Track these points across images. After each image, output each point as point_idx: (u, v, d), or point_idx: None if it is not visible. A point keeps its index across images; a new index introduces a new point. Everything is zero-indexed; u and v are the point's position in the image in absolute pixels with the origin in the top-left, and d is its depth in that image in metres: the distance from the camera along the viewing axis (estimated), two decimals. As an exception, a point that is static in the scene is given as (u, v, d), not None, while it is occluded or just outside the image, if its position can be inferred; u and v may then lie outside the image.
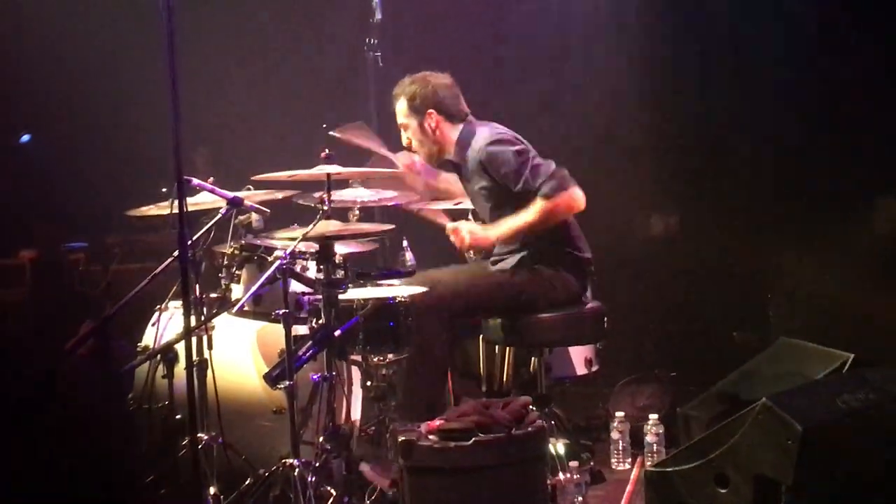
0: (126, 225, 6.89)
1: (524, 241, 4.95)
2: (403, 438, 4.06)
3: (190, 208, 3.96)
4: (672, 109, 6.83)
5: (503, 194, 4.90)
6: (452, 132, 5.03)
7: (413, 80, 5.05)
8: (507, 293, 4.89)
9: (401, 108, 5.07)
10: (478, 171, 4.94)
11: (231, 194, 4.49)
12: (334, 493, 4.31)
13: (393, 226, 4.89)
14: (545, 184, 4.78)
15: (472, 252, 5.24)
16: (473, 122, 5.06)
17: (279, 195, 4.96)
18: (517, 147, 4.86)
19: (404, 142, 5.14)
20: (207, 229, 4.50)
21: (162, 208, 4.71)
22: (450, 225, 5.00)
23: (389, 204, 5.18)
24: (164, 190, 4.60)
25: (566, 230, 5.00)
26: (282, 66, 7.28)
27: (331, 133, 5.13)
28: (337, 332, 4.38)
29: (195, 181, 4.42)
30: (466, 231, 4.90)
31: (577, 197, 4.82)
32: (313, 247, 4.57)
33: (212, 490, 4.44)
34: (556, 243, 4.96)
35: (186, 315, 3.71)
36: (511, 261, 4.97)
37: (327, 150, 4.51)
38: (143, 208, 4.81)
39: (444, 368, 4.81)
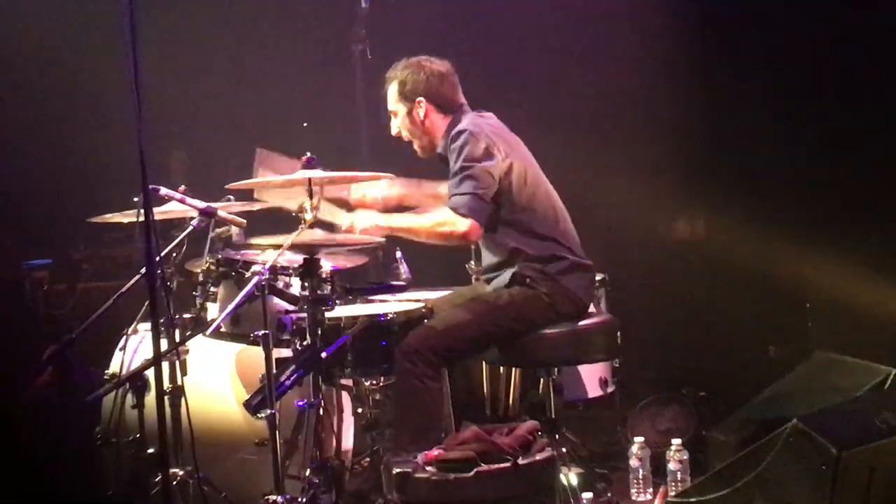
0: (94, 239, 6.93)
1: (515, 255, 4.93)
2: (398, 471, 4.07)
3: (158, 218, 4.00)
4: (701, 107, 6.87)
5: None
6: (442, 124, 5.03)
7: (407, 65, 5.05)
8: (501, 322, 4.82)
9: (391, 93, 5.08)
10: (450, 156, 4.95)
11: (203, 204, 4.52)
12: (323, 532, 4.34)
13: (384, 239, 4.91)
14: (460, 198, 4.76)
15: (472, 263, 5.26)
16: (465, 112, 5.05)
17: (257, 206, 4.98)
18: (476, 152, 4.80)
19: (393, 130, 5.13)
20: (178, 242, 4.52)
21: (128, 216, 4.75)
22: (344, 224, 4.94)
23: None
24: (135, 199, 4.63)
25: (562, 236, 4.97)
26: (262, 63, 7.31)
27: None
28: (324, 354, 4.40)
29: (163, 190, 4.45)
30: (359, 223, 4.86)
31: (467, 229, 4.74)
32: (296, 261, 4.58)
33: (188, 531, 4.47)
34: (551, 252, 4.91)
35: (156, 338, 3.71)
36: (504, 278, 4.94)
37: (309, 154, 4.52)
38: (107, 215, 4.83)
39: (435, 405, 4.71)
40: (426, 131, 5.05)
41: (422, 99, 4.99)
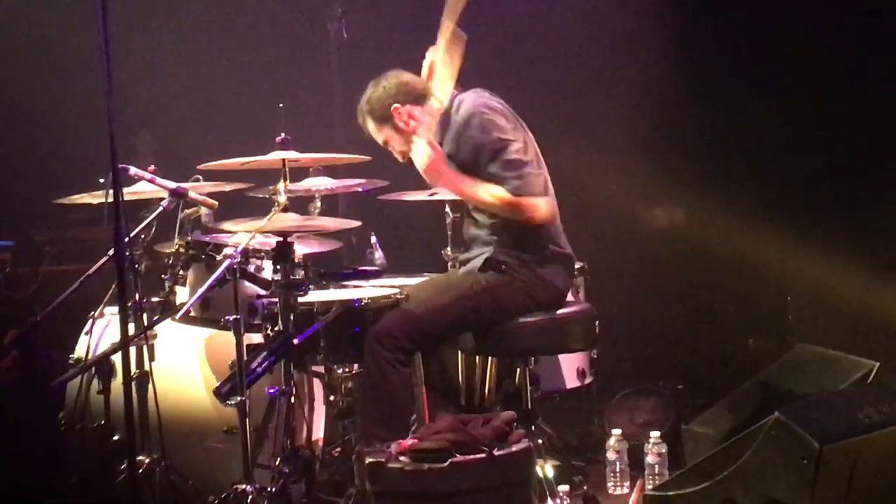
0: (58, 220, 6.89)
1: (492, 237, 4.93)
2: (371, 460, 4.07)
3: (127, 199, 3.98)
4: (683, 96, 6.89)
5: (473, 172, 4.87)
6: (426, 110, 4.99)
7: (366, 99, 5.03)
8: (477, 308, 4.82)
9: (373, 130, 5.04)
10: (453, 142, 4.92)
11: (173, 184, 4.50)
12: (293, 524, 4.34)
13: (359, 223, 4.89)
14: (513, 181, 4.77)
15: (448, 249, 5.26)
16: (456, 93, 5.02)
17: (228, 187, 4.97)
18: (498, 132, 4.83)
19: (400, 159, 5.09)
20: (147, 224, 4.51)
21: (96, 197, 4.73)
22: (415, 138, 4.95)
23: (358, 190, 5.19)
24: (101, 180, 4.61)
25: (536, 226, 4.95)
26: (233, 39, 7.27)
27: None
28: (296, 341, 4.40)
29: (133, 170, 4.43)
30: (426, 154, 4.85)
31: (541, 206, 4.82)
32: (269, 244, 4.57)
33: (155, 520, 4.45)
34: (531, 238, 4.91)
35: (124, 322, 3.69)
36: (477, 261, 4.94)
37: (283, 134, 4.51)
38: (74, 196, 4.81)
39: (405, 391, 4.71)
40: (413, 132, 4.99)
41: (395, 105, 4.96)
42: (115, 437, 4.52)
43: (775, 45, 6.56)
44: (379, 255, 5.45)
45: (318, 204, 5.18)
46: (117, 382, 4.34)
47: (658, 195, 7.11)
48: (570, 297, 5.16)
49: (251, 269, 4.60)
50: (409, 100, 4.98)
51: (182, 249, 4.77)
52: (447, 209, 5.57)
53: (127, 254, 3.75)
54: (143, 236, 4.61)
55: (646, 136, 6.96)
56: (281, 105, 4.98)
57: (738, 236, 6.60)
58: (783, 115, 6.57)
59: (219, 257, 4.49)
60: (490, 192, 4.79)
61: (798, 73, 6.46)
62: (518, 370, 5.19)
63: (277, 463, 4.47)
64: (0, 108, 7.07)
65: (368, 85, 5.04)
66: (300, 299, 4.49)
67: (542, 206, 4.83)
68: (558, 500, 4.56)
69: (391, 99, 4.96)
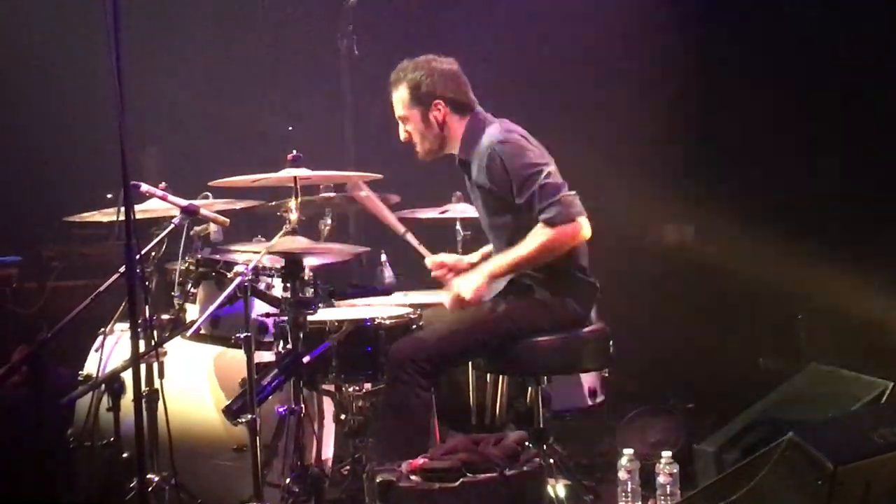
0: (66, 236, 6.92)
1: None
2: (381, 479, 4.08)
3: (138, 216, 4.00)
4: (693, 114, 6.90)
5: (504, 202, 4.85)
6: (459, 126, 4.97)
7: (416, 66, 4.96)
8: (498, 332, 4.81)
9: (401, 97, 4.98)
10: (483, 172, 4.88)
11: (185, 202, 4.52)
12: (303, 542, 4.35)
13: (368, 248, 4.91)
14: (551, 208, 4.71)
15: None
16: (482, 114, 5.00)
17: (239, 204, 4.99)
18: (529, 158, 4.80)
19: (402, 136, 5.05)
20: (158, 241, 4.53)
21: (107, 215, 4.75)
22: (430, 260, 4.97)
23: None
24: (109, 196, 4.64)
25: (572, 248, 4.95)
26: (244, 56, 7.30)
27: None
28: (306, 359, 4.42)
29: (144, 187, 4.45)
30: (460, 289, 4.79)
31: (582, 227, 4.76)
32: (279, 262, 4.59)
33: (163, 538, 4.47)
34: (559, 263, 4.86)
35: (134, 339, 3.71)
36: (500, 284, 4.91)
37: (294, 152, 4.53)
38: (85, 214, 4.83)
39: (424, 416, 4.71)
40: (439, 135, 4.98)
41: (440, 101, 4.92)
42: (125, 455, 4.51)
43: (786, 60, 6.57)
44: (389, 272, 5.47)
45: (329, 221, 5.20)
46: (127, 400, 4.33)
47: (668, 213, 7.12)
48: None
49: (261, 286, 4.63)
50: (454, 105, 4.96)
51: (192, 267, 4.79)
52: (458, 226, 5.59)
53: (137, 271, 3.77)
54: (153, 253, 4.62)
55: (655, 154, 6.97)
56: (291, 128, 4.99)
57: (750, 254, 6.60)
58: (796, 132, 6.58)
59: (229, 275, 4.50)
60: (529, 246, 4.73)
61: (812, 87, 6.47)
62: (530, 389, 5.19)
63: (287, 481, 4.50)
64: (9, 123, 7.11)
65: (428, 58, 4.98)
66: (310, 318, 4.50)
67: (585, 224, 4.76)
68: (570, 520, 4.56)
69: (440, 91, 4.93)
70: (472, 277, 4.81)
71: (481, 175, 4.88)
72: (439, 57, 5.00)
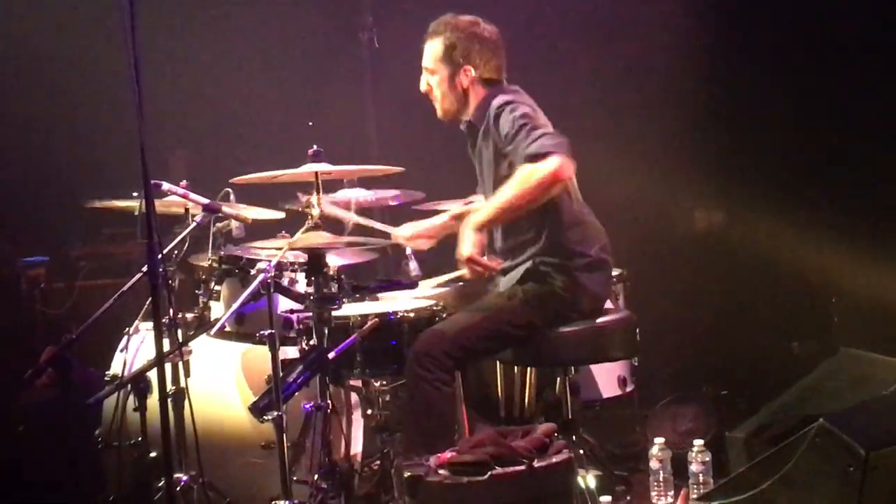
0: (92, 236, 6.96)
1: (528, 247, 4.90)
2: (410, 474, 4.07)
3: (160, 212, 4.02)
4: (721, 97, 6.87)
5: (508, 162, 4.77)
6: (479, 94, 4.93)
7: (458, 26, 4.92)
8: (517, 322, 4.77)
9: (434, 50, 4.94)
10: (487, 134, 4.87)
11: (206, 200, 4.53)
12: (332, 539, 4.36)
13: (392, 242, 4.90)
14: (532, 144, 4.57)
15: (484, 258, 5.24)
16: (504, 87, 4.95)
17: (268, 215, 5.00)
18: (524, 110, 4.71)
19: (422, 86, 5.02)
20: (181, 240, 4.54)
21: (127, 203, 4.79)
22: (463, 270, 4.83)
23: (391, 203, 5.19)
24: (134, 195, 4.66)
25: (580, 228, 4.90)
26: (265, 49, 7.30)
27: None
28: (331, 354, 4.42)
29: (166, 185, 4.47)
30: (461, 255, 4.68)
31: (563, 165, 4.55)
32: (302, 257, 4.59)
33: (192, 537, 4.49)
34: (565, 243, 4.85)
35: (158, 338, 3.72)
36: (515, 274, 4.89)
37: (315, 147, 4.53)
38: (108, 201, 4.85)
39: (447, 410, 4.68)
40: (461, 98, 4.94)
41: (470, 68, 4.89)
42: (152, 455, 4.54)
43: (816, 43, 6.53)
44: (414, 265, 5.46)
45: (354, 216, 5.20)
46: (153, 399, 4.34)
47: (698, 198, 7.09)
48: (609, 305, 5.14)
49: (285, 282, 4.63)
50: (482, 76, 4.92)
51: (216, 264, 4.80)
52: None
53: (160, 270, 3.78)
54: (176, 252, 4.64)
55: (683, 138, 6.95)
56: (311, 123, 4.98)
57: (781, 238, 6.57)
58: (827, 116, 6.53)
59: (252, 272, 4.50)
60: (510, 185, 4.60)
61: (844, 71, 6.42)
62: (558, 380, 5.18)
63: (316, 478, 4.50)
64: (36, 126, 7.16)
65: (472, 20, 4.93)
66: (334, 313, 4.50)
67: (566, 164, 4.55)
68: (601, 511, 4.55)
69: (474, 59, 4.89)
70: (462, 237, 4.70)
71: (487, 137, 4.85)
72: (485, 24, 4.95)
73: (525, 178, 4.54)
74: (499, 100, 4.80)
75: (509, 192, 4.59)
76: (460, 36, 4.89)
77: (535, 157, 4.54)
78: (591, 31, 7.09)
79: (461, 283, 5.21)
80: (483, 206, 4.78)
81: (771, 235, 6.63)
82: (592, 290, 4.87)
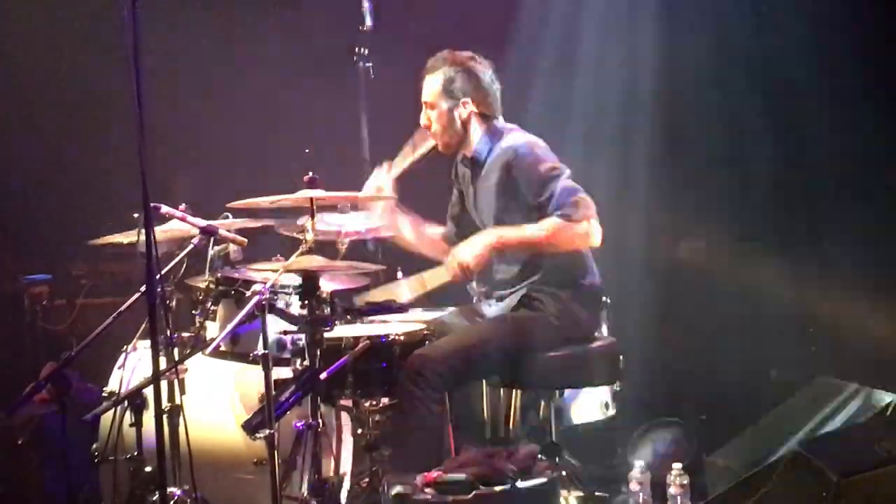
0: (94, 255, 6.95)
1: (527, 275, 4.93)
2: (397, 492, 4.08)
3: (160, 237, 4.02)
4: (699, 123, 6.88)
5: (516, 199, 4.87)
6: (479, 129, 5.01)
7: (456, 60, 4.99)
8: (506, 346, 4.82)
9: (434, 86, 5.00)
10: (498, 169, 4.91)
11: (204, 222, 4.54)
12: (321, 554, 4.35)
13: (384, 266, 4.91)
14: (568, 206, 4.73)
15: (474, 283, 5.24)
16: (501, 123, 5.04)
17: (257, 224, 4.99)
18: (549, 162, 4.83)
19: (423, 120, 5.06)
20: (178, 261, 4.54)
21: (129, 236, 4.78)
22: (449, 271, 4.86)
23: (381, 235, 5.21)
24: (136, 216, 4.66)
25: (575, 257, 4.95)
26: (266, 81, 7.31)
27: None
28: (323, 375, 4.42)
29: (165, 208, 4.47)
30: (462, 253, 4.77)
31: (595, 230, 4.78)
32: (296, 280, 4.60)
33: (184, 551, 4.46)
34: (565, 270, 4.92)
35: (155, 356, 3.74)
36: (511, 301, 4.95)
37: (311, 173, 4.54)
38: (108, 237, 4.85)
39: (437, 429, 4.73)
40: (460, 132, 5.01)
41: (468, 101, 4.96)
42: (147, 469, 4.54)
43: (788, 77, 6.55)
44: (405, 290, 5.46)
45: (346, 240, 5.20)
46: (149, 415, 4.35)
47: (680, 228, 7.09)
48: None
49: (280, 304, 4.63)
50: (480, 110, 4.99)
51: (212, 285, 4.80)
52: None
53: (158, 290, 3.79)
54: (174, 273, 4.64)
55: (665, 168, 6.95)
56: (307, 150, 5.00)
57: (761, 268, 6.57)
58: (804, 147, 6.55)
59: (248, 293, 4.51)
60: (542, 227, 4.74)
61: (818, 104, 6.44)
62: (542, 403, 5.19)
63: (306, 494, 4.49)
64: (40, 144, 7.17)
65: (468, 56, 5.00)
66: (327, 335, 4.50)
67: (597, 227, 4.78)
68: (582, 532, 4.55)
69: (472, 93, 4.96)
70: (474, 242, 4.80)
71: (498, 171, 4.89)
72: (481, 59, 5.02)
73: (561, 232, 4.73)
74: (514, 138, 4.90)
75: (540, 235, 4.74)
76: (459, 70, 4.96)
77: (571, 217, 4.70)
78: (573, 61, 7.11)
79: (455, 308, 5.23)
80: (509, 230, 4.82)
81: (751, 266, 6.63)
82: (584, 318, 4.93)
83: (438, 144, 5.10)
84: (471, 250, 4.76)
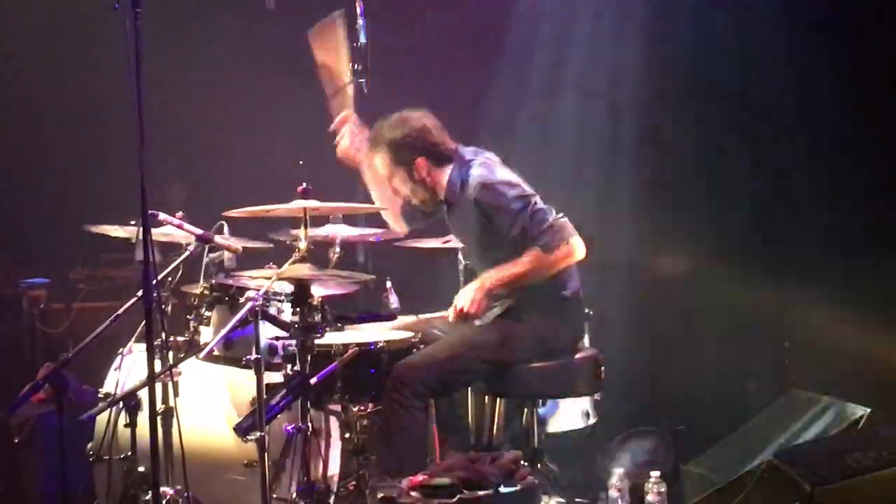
0: (91, 260, 6.95)
1: (516, 290, 4.95)
2: (383, 495, 4.08)
3: (159, 240, 4.03)
4: (684, 150, 6.91)
5: (497, 237, 4.89)
6: (443, 175, 5.01)
7: (391, 126, 5.01)
8: (490, 357, 4.84)
9: (383, 158, 5.04)
10: (472, 212, 4.91)
11: (199, 230, 4.55)
12: (308, 554, 4.35)
13: (374, 276, 4.92)
14: (543, 234, 4.77)
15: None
16: (463, 155, 5.04)
17: (256, 244, 5.01)
18: (515, 191, 4.84)
19: (393, 190, 5.11)
20: (175, 267, 4.56)
21: (127, 230, 4.80)
22: (452, 317, 4.91)
23: (371, 240, 5.21)
24: (132, 223, 4.67)
25: (560, 271, 4.97)
26: (262, 95, 7.33)
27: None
28: (313, 380, 4.43)
29: (162, 215, 4.48)
30: (464, 302, 4.82)
31: (576, 248, 4.82)
32: (288, 288, 4.61)
33: (175, 549, 4.47)
34: (549, 282, 4.91)
35: (151, 359, 3.75)
36: (496, 311, 4.98)
37: (305, 185, 4.55)
38: (106, 227, 4.87)
39: (420, 434, 4.75)
40: (428, 186, 5.02)
41: (420, 159, 4.96)
42: (141, 469, 4.54)
43: (770, 100, 6.59)
44: (394, 299, 5.49)
45: (338, 250, 5.22)
46: (143, 416, 4.35)
47: (660, 243, 7.12)
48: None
49: (272, 311, 4.64)
50: (434, 158, 4.99)
51: (207, 291, 4.82)
52: (459, 256, 5.61)
53: (155, 295, 3.80)
54: (170, 278, 4.65)
55: (646, 185, 6.98)
56: (301, 161, 5.01)
57: (738, 284, 6.60)
58: (780, 168, 6.58)
59: (241, 299, 4.53)
60: (524, 262, 4.78)
61: (796, 124, 6.47)
62: (525, 411, 5.21)
63: (294, 496, 4.49)
64: (39, 151, 7.16)
65: (402, 116, 5.02)
66: (317, 341, 4.51)
67: (578, 244, 4.83)
68: (562, 536, 4.56)
69: (419, 148, 4.96)
70: (470, 289, 4.85)
71: (473, 214, 4.90)
72: (412, 112, 5.03)
73: (543, 261, 4.78)
74: (477, 178, 4.87)
75: (524, 269, 4.79)
76: (398, 134, 4.97)
77: (550, 245, 4.75)
78: (557, 78, 7.14)
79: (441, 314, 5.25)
80: (495, 273, 4.86)
81: (729, 281, 6.66)
82: (567, 329, 4.94)
83: (417, 204, 5.13)
84: (467, 297, 4.81)
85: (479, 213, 4.87)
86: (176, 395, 4.54)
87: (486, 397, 5.33)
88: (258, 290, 4.35)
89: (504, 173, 4.95)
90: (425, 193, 5.05)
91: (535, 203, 4.84)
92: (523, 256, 4.79)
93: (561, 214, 4.86)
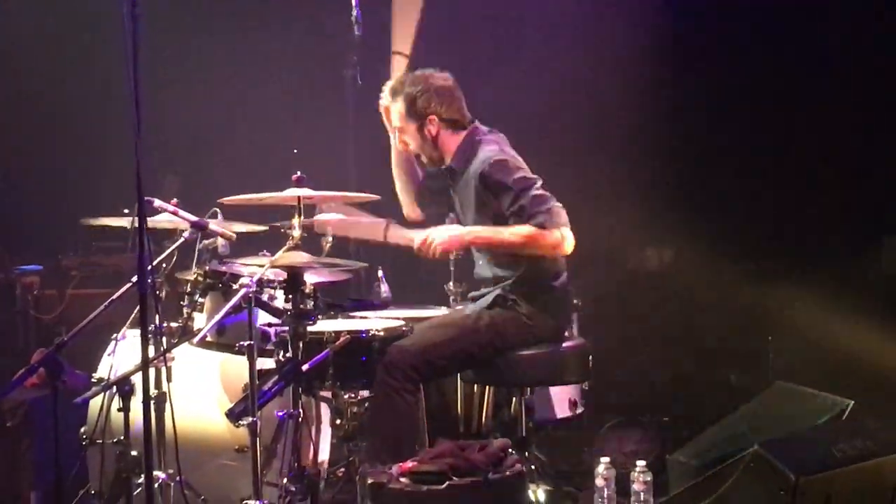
0: (84, 248, 6.93)
1: (503, 274, 4.95)
2: (373, 481, 4.08)
3: (154, 226, 4.00)
4: (670, 136, 6.91)
5: (492, 209, 4.86)
6: (453, 139, 4.98)
7: (413, 81, 4.97)
8: (481, 343, 4.83)
9: (398, 110, 4.99)
10: (474, 180, 4.88)
11: (194, 217, 4.53)
12: (299, 539, 4.34)
13: (366, 264, 4.91)
14: (540, 215, 4.73)
15: (451, 284, 5.25)
16: (479, 130, 5.02)
17: (248, 228, 4.99)
18: (520, 173, 4.82)
19: (399, 145, 5.08)
20: (169, 253, 4.53)
21: (121, 220, 4.78)
22: (417, 240, 4.85)
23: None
24: (125, 211, 4.65)
25: (550, 262, 4.93)
26: (255, 86, 7.31)
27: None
28: (305, 367, 4.41)
29: (157, 202, 4.46)
30: (436, 235, 4.79)
31: (566, 238, 4.77)
32: (281, 275, 4.59)
33: (167, 532, 4.44)
34: (538, 273, 4.91)
35: (144, 345, 3.72)
36: (486, 299, 4.95)
37: (299, 173, 4.54)
38: (102, 218, 4.84)
39: (411, 418, 4.73)
40: (436, 147, 4.99)
41: (433, 116, 4.94)
42: (133, 453, 4.51)
43: (760, 91, 6.59)
44: (385, 288, 5.47)
45: (330, 238, 5.19)
46: (137, 401, 4.32)
47: (648, 237, 7.12)
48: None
49: (265, 298, 4.63)
50: (447, 121, 4.96)
51: (200, 278, 4.79)
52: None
53: (149, 281, 3.78)
54: (164, 265, 4.63)
55: (636, 179, 6.98)
56: (295, 150, 5.00)
57: (725, 278, 6.61)
58: (769, 159, 6.59)
59: (235, 286, 4.51)
60: (515, 232, 4.74)
61: (785, 122, 6.48)
62: (514, 400, 5.20)
63: (285, 481, 4.48)
64: (36, 140, 7.14)
65: (425, 73, 4.98)
66: (310, 328, 4.49)
67: (569, 236, 4.78)
68: (549, 524, 4.56)
69: (434, 107, 4.93)
70: (451, 230, 4.84)
71: (475, 188, 4.88)
72: (436, 72, 5.01)
73: (534, 239, 4.72)
74: (485, 154, 4.86)
75: (513, 239, 4.75)
76: (418, 89, 4.94)
77: (545, 226, 4.70)
78: (546, 70, 7.12)
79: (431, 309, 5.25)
80: (483, 229, 4.84)
81: (716, 276, 6.67)
82: (554, 319, 4.93)
83: (423, 162, 5.11)
84: (441, 236, 4.78)
85: (482, 187, 4.84)
86: (169, 380, 4.50)
87: (475, 386, 5.33)
88: (251, 278, 4.33)
89: (514, 154, 4.95)
90: (434, 153, 5.02)
91: (538, 186, 4.82)
92: (516, 227, 4.75)
93: (560, 205, 4.83)
